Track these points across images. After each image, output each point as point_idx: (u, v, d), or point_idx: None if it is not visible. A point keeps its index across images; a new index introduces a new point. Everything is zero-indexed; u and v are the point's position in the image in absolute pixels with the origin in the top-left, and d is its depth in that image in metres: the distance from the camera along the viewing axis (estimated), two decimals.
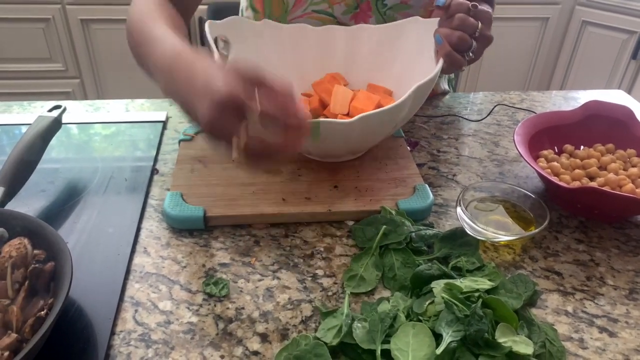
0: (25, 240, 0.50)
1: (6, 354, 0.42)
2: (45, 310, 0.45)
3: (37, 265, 0.48)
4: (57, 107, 0.69)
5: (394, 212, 0.60)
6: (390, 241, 0.57)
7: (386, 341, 0.44)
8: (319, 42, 0.74)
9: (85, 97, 2.05)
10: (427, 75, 0.60)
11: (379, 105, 0.66)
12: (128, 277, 0.54)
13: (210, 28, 0.63)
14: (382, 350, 0.44)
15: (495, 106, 0.91)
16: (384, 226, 0.58)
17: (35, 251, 0.50)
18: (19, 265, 0.48)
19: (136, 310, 0.51)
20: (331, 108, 0.67)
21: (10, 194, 0.56)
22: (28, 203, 0.62)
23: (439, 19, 0.67)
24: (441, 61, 0.63)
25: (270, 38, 0.72)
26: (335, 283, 0.54)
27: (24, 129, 0.78)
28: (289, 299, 0.52)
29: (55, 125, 0.67)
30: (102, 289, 0.52)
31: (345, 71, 0.72)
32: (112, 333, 0.48)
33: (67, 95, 2.04)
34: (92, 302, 0.51)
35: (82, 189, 0.66)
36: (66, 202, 0.64)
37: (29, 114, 0.84)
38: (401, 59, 0.74)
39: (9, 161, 0.58)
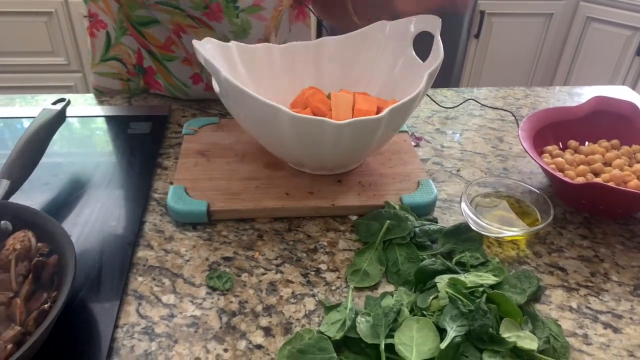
0: (30, 233, 0.50)
1: (9, 346, 0.42)
2: (49, 304, 0.45)
3: (41, 258, 0.48)
4: (61, 100, 0.69)
5: (397, 207, 0.60)
6: (394, 236, 0.57)
7: (390, 335, 0.44)
8: (286, 61, 0.71)
9: (87, 91, 2.05)
10: (405, 75, 0.60)
11: (379, 106, 0.65)
12: (131, 270, 0.54)
13: (199, 47, 0.58)
14: (386, 345, 0.43)
15: (465, 100, 0.90)
16: (388, 221, 0.57)
17: (39, 244, 0.50)
18: (22, 258, 0.48)
19: (139, 304, 0.51)
20: (333, 116, 0.64)
21: (15, 187, 0.56)
22: (32, 196, 0.62)
23: (409, 18, 0.67)
24: (441, 48, 0.63)
25: (242, 59, 0.68)
26: (338, 277, 0.54)
27: (26, 122, 0.78)
28: (293, 293, 0.52)
29: (60, 118, 0.66)
30: (106, 282, 0.52)
31: (317, 85, 0.71)
32: (116, 326, 0.48)
33: (69, 89, 2.04)
34: (95, 295, 0.51)
35: (85, 182, 0.66)
36: (69, 196, 0.64)
37: (32, 107, 0.83)
38: (372, 64, 0.73)
39: (13, 154, 0.58)
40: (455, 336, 0.43)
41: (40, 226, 0.50)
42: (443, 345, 0.42)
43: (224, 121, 0.77)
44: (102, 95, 0.88)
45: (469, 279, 0.49)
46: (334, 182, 0.65)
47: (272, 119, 0.55)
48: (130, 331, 0.48)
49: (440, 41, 0.64)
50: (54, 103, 0.68)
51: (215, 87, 0.60)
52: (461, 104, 0.90)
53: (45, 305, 0.44)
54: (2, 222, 0.51)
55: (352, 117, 0.64)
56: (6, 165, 0.57)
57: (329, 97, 0.67)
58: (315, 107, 0.66)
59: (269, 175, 0.66)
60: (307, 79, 0.73)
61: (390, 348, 0.44)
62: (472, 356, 0.43)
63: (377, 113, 0.62)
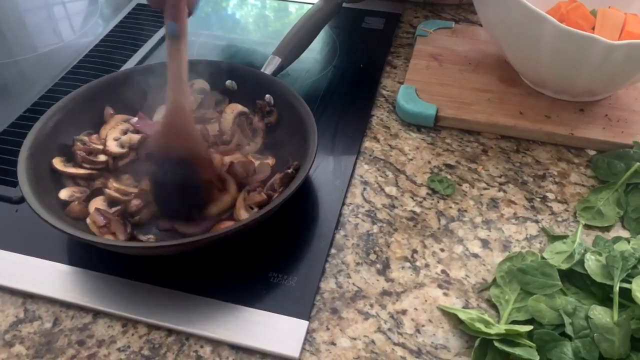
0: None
1: (255, 209, 0.48)
2: (291, 170, 0.50)
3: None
4: None
5: None
6: None
7: (625, 280, 0.41)
8: None
9: None
10: None
11: None
12: (359, 157, 0.58)
13: None
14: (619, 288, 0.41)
15: None
16: (638, 163, 0.52)
17: None
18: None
19: (364, 189, 0.55)
20: (596, 34, 0.57)
21: (284, 65, 0.61)
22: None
23: None
24: None
25: None
26: (566, 210, 0.51)
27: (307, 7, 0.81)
28: (515, 214, 0.51)
29: (335, 7, 0.68)
30: (335, 164, 0.56)
31: None
32: (343, 204, 0.53)
33: None
34: (326, 174, 0.56)
35: (322, 69, 0.70)
36: (307, 79, 0.68)
37: None
38: None
39: (288, 36, 0.62)
40: None
41: (294, 108, 0.55)
42: None
43: (459, 27, 0.74)
44: None
45: None
46: (576, 110, 0.60)
47: (532, 29, 0.51)
48: (355, 210, 0.52)
49: None
50: None
51: None
52: None
53: (289, 170, 0.50)
54: (267, 95, 0.57)
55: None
56: (280, 45, 0.62)
57: (592, 13, 0.59)
58: (575, 22, 0.59)
59: (503, 90, 0.63)
60: None
61: (622, 292, 0.41)
62: None
63: None
